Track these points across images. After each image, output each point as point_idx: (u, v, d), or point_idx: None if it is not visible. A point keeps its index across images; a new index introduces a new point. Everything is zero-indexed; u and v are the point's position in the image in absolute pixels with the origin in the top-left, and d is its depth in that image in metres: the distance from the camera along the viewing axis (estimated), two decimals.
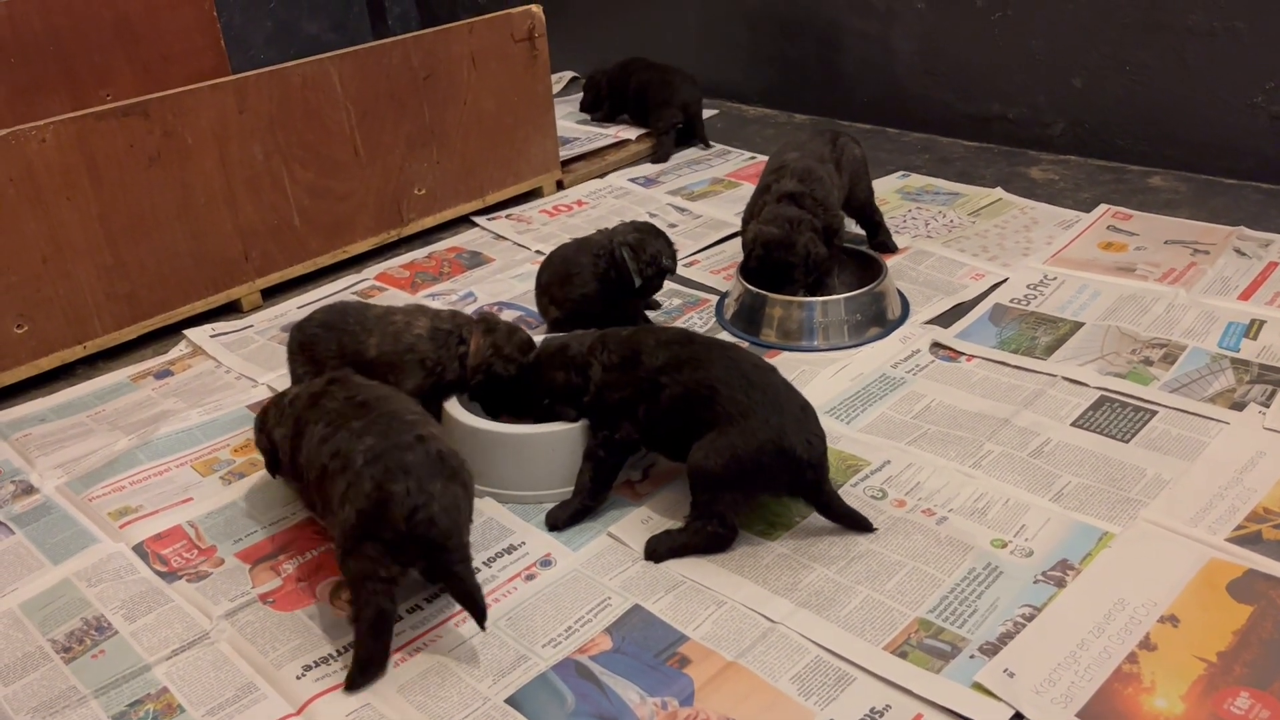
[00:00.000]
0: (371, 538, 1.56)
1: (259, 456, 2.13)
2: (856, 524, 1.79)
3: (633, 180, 3.52)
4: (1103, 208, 3.01)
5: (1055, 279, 2.63)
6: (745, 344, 2.45)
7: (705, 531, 1.76)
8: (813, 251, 2.44)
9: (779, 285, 2.47)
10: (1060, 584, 1.67)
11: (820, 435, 1.77)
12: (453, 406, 2.01)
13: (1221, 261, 2.63)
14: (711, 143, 3.81)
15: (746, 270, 2.57)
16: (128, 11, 4.02)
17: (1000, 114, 3.55)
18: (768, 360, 1.87)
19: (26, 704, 1.59)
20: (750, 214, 2.63)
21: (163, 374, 2.52)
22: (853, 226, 2.84)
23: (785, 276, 2.45)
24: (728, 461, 1.70)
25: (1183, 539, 1.74)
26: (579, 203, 3.38)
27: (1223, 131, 3.11)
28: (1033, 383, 2.21)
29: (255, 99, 2.69)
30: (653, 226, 2.42)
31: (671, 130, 3.71)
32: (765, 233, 2.45)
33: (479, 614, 1.59)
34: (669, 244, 2.39)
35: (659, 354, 1.82)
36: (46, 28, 3.85)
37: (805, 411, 1.78)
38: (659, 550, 1.78)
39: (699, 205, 3.30)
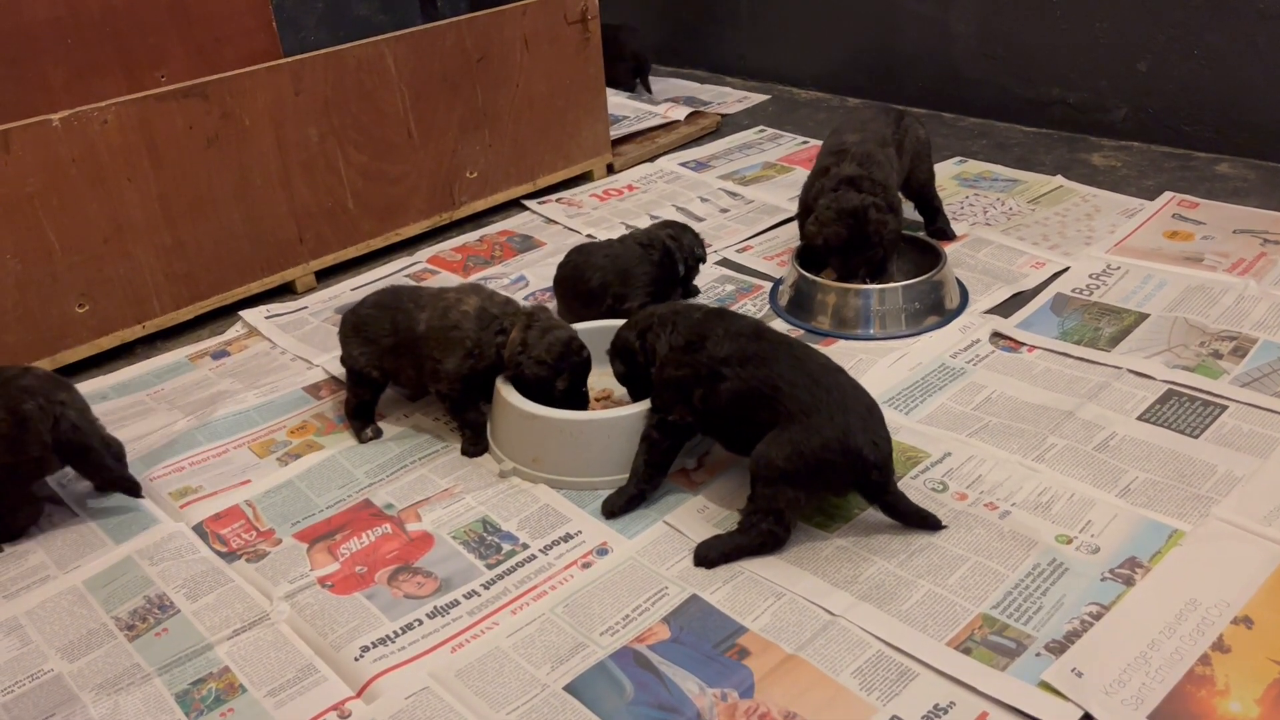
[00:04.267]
0: (17, 462, 1.85)
1: (316, 439, 2.16)
2: (925, 523, 1.76)
3: (683, 164, 3.50)
4: (1168, 195, 2.93)
5: (1119, 268, 2.57)
6: (799, 331, 2.43)
7: (760, 529, 1.73)
8: (885, 233, 2.40)
9: (865, 264, 2.44)
10: (1129, 582, 1.63)
11: (886, 437, 1.73)
12: (509, 392, 2.00)
13: None
14: (763, 127, 3.79)
15: (806, 252, 2.55)
16: None
17: (1060, 98, 3.48)
18: (832, 360, 1.82)
19: (91, 680, 1.62)
20: (807, 196, 2.60)
21: (219, 354, 2.55)
22: (909, 214, 2.79)
23: (869, 260, 2.42)
24: (790, 455, 1.67)
25: (1256, 538, 1.69)
26: (629, 187, 3.36)
27: None
28: (1097, 375, 2.17)
29: (311, 81, 2.70)
30: (680, 223, 2.53)
31: (635, 82, 4.14)
32: (834, 236, 2.40)
33: (133, 490, 1.96)
34: (697, 236, 2.53)
35: (725, 344, 1.79)
36: (103, 9, 3.87)
37: (871, 412, 1.74)
38: (710, 556, 1.74)
39: (751, 190, 3.26)
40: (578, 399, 2.02)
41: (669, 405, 1.84)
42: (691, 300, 2.54)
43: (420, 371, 2.08)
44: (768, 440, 1.70)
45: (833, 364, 1.79)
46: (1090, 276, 2.55)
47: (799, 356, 1.77)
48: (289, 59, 2.71)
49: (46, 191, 2.34)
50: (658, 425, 1.85)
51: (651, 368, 1.89)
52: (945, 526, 1.77)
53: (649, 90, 4.19)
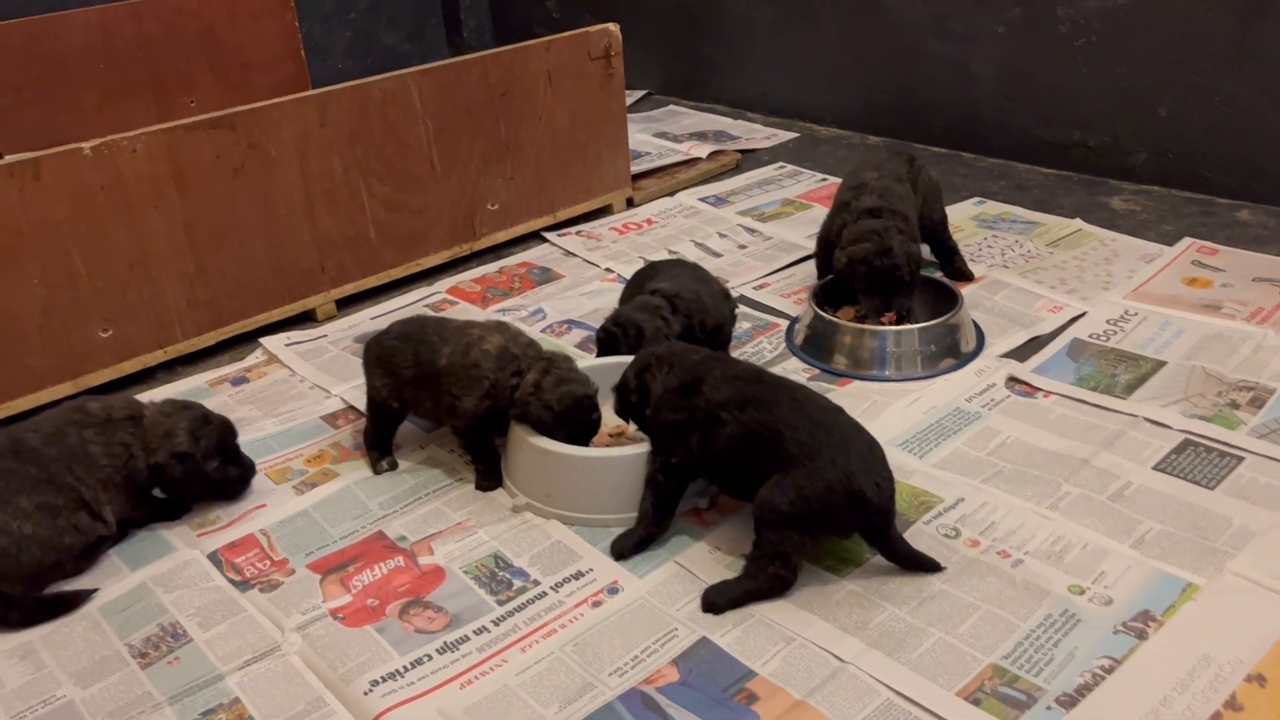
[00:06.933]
0: None
1: (331, 467, 2.19)
2: (923, 567, 1.76)
3: (703, 200, 3.52)
4: (1187, 241, 2.93)
5: (1136, 315, 2.57)
6: (815, 371, 2.44)
7: (767, 573, 1.72)
8: (910, 250, 2.45)
9: (892, 295, 2.45)
10: (1141, 636, 1.62)
11: (889, 478, 1.73)
12: (524, 428, 2.01)
13: None
14: (783, 163, 3.80)
15: (823, 291, 2.58)
16: (214, 21, 4.13)
17: (1080, 141, 3.48)
18: (834, 401, 1.82)
19: (103, 708, 1.63)
20: (828, 232, 2.64)
21: (239, 380, 2.57)
22: (925, 256, 2.79)
23: (895, 283, 2.44)
24: (794, 500, 1.67)
25: (1271, 594, 1.68)
26: (649, 221, 3.38)
27: None
28: (1113, 422, 2.16)
29: (336, 113, 2.73)
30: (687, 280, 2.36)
31: None
32: (859, 251, 2.44)
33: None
34: (702, 296, 2.32)
35: (723, 388, 1.79)
36: (136, 35, 3.97)
37: (873, 452, 1.74)
38: (718, 603, 1.74)
39: (770, 227, 3.28)
40: (583, 442, 2.01)
41: (669, 448, 1.84)
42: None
43: (438, 404, 2.09)
44: (771, 484, 1.70)
45: (832, 404, 1.80)
46: (1108, 322, 2.54)
47: (799, 399, 1.77)
48: (315, 91, 2.75)
49: (75, 218, 2.38)
50: (661, 468, 1.85)
51: (646, 408, 1.88)
52: (944, 569, 1.76)
53: None
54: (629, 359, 2.04)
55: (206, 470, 2.00)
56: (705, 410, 1.79)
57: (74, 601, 1.84)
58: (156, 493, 2.04)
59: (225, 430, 2.04)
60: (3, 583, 1.79)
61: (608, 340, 2.27)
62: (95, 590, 1.86)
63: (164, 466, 1.96)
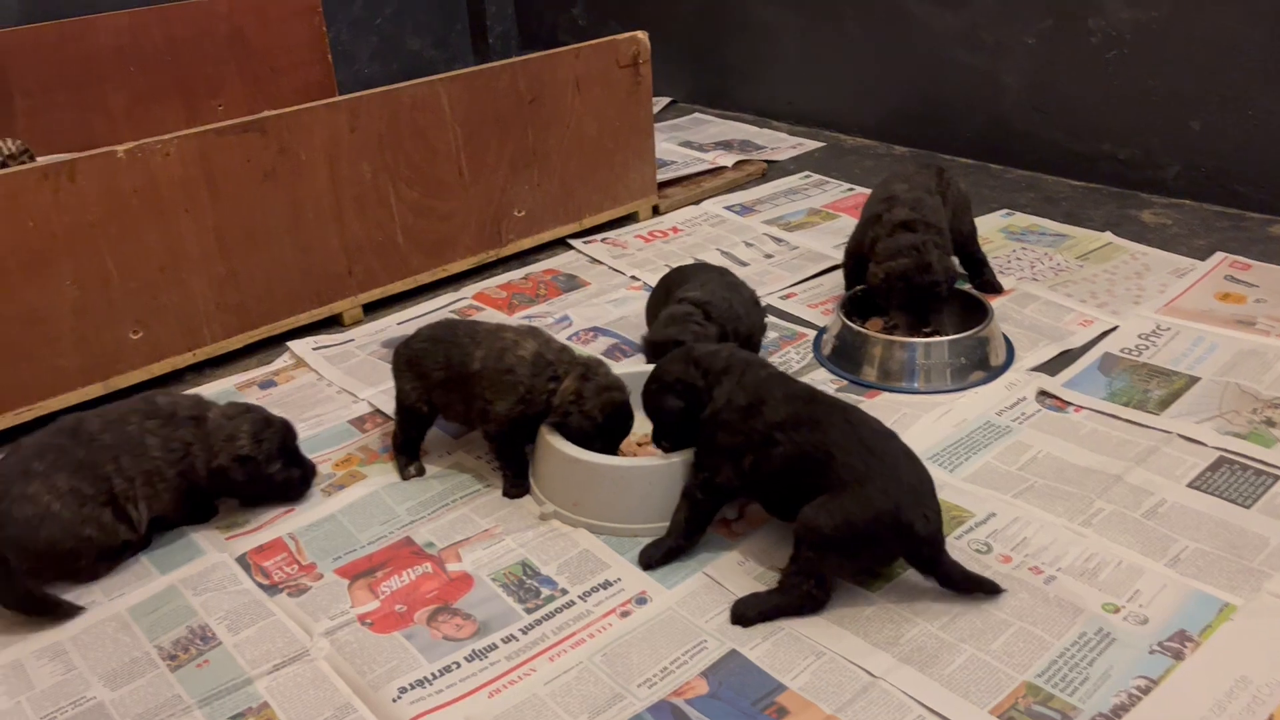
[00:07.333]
0: None
1: (360, 470, 2.19)
2: (982, 589, 1.73)
3: (728, 208, 3.51)
4: (1219, 256, 2.90)
5: (1169, 329, 2.54)
6: (844, 382, 2.42)
7: (800, 590, 1.71)
8: (948, 265, 2.45)
9: (928, 311, 2.44)
10: (1178, 656, 1.60)
11: (937, 510, 1.70)
12: (553, 435, 2.01)
13: None
14: (809, 173, 3.79)
15: (851, 302, 2.56)
16: (242, 25, 4.17)
17: (1111, 154, 3.46)
18: (885, 424, 1.79)
19: (133, 710, 1.63)
20: (858, 244, 2.62)
21: (267, 384, 2.58)
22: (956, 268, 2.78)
23: (933, 298, 2.43)
24: (840, 524, 1.64)
25: None
26: (674, 229, 3.38)
27: None
28: (1145, 439, 2.14)
29: (367, 118, 2.74)
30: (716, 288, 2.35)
31: None
32: (897, 266, 2.42)
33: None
34: (735, 303, 2.33)
35: (780, 409, 1.76)
36: (165, 40, 4.00)
37: (923, 483, 1.71)
38: (748, 614, 1.72)
39: (796, 236, 3.27)
40: (612, 449, 2.02)
41: (716, 466, 1.81)
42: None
43: (469, 408, 2.09)
44: (817, 505, 1.68)
45: (885, 429, 1.77)
46: (1139, 336, 2.52)
47: (852, 421, 1.74)
48: (346, 96, 2.76)
49: (107, 220, 2.39)
50: (703, 486, 1.82)
51: (702, 412, 1.84)
52: (1004, 591, 1.73)
53: None
54: (649, 368, 2.02)
55: (269, 473, 2.00)
56: (762, 433, 1.76)
57: (62, 611, 1.82)
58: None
59: (286, 432, 2.04)
60: (14, 552, 1.77)
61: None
62: (83, 608, 1.84)
63: (226, 469, 1.95)
